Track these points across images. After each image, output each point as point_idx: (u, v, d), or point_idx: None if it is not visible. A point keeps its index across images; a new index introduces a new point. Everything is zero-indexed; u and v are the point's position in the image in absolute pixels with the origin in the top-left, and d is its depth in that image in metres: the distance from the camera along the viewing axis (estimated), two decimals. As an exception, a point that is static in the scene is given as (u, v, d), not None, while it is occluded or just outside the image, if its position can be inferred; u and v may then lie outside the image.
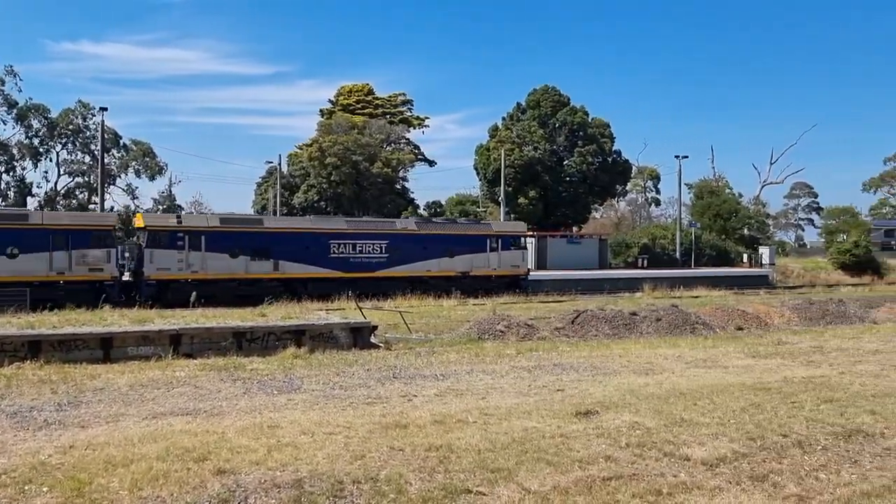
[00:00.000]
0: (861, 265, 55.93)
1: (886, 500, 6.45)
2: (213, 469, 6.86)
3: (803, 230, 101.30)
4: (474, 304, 27.99)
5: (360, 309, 19.90)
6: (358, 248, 32.32)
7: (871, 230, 63.38)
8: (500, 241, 35.91)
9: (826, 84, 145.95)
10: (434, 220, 43.20)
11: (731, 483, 6.86)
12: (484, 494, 6.45)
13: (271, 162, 64.24)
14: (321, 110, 68.83)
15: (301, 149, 61.44)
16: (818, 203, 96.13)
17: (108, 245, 27.73)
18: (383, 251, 32.66)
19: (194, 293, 23.43)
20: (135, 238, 30.74)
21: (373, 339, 16.74)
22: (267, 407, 9.91)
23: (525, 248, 38.14)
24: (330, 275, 31.26)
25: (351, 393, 11.06)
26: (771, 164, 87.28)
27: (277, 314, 19.26)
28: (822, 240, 65.30)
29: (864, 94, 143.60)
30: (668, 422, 9.07)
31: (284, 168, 62.79)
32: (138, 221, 31.09)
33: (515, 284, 35.51)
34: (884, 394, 10.94)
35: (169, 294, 27.17)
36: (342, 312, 21.88)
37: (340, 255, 31.82)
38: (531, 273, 38.10)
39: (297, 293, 28.68)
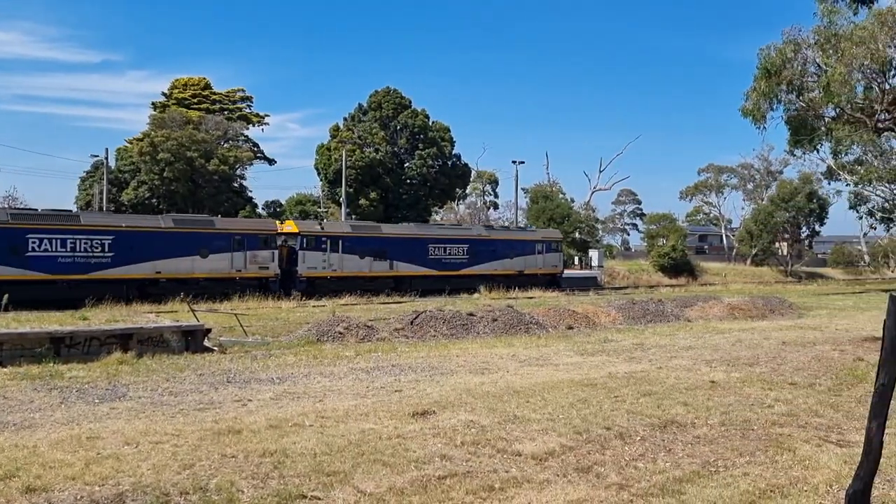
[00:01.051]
0: (678, 267, 60.39)
1: (696, 484, 6.95)
2: (21, 487, 6.31)
3: (629, 234, 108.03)
4: (314, 306, 27.63)
5: (193, 311, 19.07)
6: (448, 251, 38.93)
7: (687, 235, 68.46)
8: (544, 245, 43.03)
9: (649, 98, 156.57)
10: (498, 227, 49.81)
11: (558, 476, 7.15)
12: (319, 499, 6.35)
13: (97, 156, 60.46)
14: (153, 103, 65.38)
15: (131, 143, 58.07)
16: (642, 209, 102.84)
17: (272, 247, 33.20)
18: (465, 253, 39.44)
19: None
20: (281, 241, 34.51)
21: (207, 343, 16.08)
22: (87, 417, 9.26)
23: (561, 251, 45.22)
24: (429, 273, 37.79)
25: (181, 399, 10.57)
26: (600, 171, 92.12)
27: (102, 317, 18.14)
28: (645, 244, 69.80)
29: (683, 109, 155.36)
30: (502, 419, 9.34)
31: (112, 163, 59.21)
32: (292, 227, 35.48)
33: (554, 281, 42.67)
34: (695, 386, 11.81)
35: (315, 288, 33.39)
36: (174, 315, 20.92)
37: (436, 257, 38.31)
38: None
39: (405, 288, 35.00)
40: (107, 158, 56.49)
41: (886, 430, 7.81)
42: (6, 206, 52.82)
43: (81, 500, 6.09)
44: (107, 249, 28.74)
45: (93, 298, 24.07)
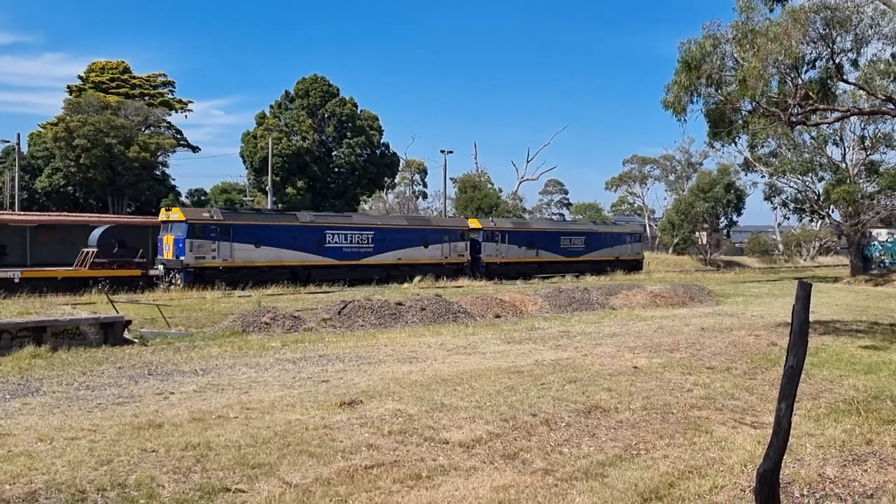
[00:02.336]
0: (604, 256, 61.79)
1: (618, 467, 7.12)
2: (-75, 487, 6.02)
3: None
4: (239, 297, 27.18)
5: (112, 303, 18.49)
6: (573, 241, 49.01)
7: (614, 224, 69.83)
8: (631, 237, 53.69)
9: (575, 90, 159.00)
10: (597, 222, 59.57)
11: (485, 462, 7.22)
12: (243, 492, 6.25)
13: (8, 141, 57.80)
14: (69, 87, 62.85)
15: (45, 128, 55.66)
16: (568, 199, 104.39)
17: (466, 240, 42.70)
18: (583, 243, 49.15)
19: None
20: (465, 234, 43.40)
21: (127, 335, 15.60)
22: (-3, 413, 8.88)
23: (642, 241, 55.51)
24: (561, 259, 47.61)
25: (99, 393, 10.23)
26: (528, 161, 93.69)
27: (13, 310, 17.41)
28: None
29: (609, 102, 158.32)
30: (430, 407, 9.36)
31: (25, 149, 56.78)
32: (476, 224, 44.60)
33: (639, 265, 52.66)
34: (618, 372, 12.09)
35: (491, 271, 42.44)
36: (92, 307, 20.25)
37: (565, 246, 48.24)
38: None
39: (546, 271, 44.80)
40: (18, 144, 54.14)
41: (797, 412, 8.18)
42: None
43: (-9, 500, 5.84)
44: (370, 242, 38.34)
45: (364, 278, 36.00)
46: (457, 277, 39.16)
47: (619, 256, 51.40)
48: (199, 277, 31.71)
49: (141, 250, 31.67)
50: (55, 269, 30.09)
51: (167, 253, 32.72)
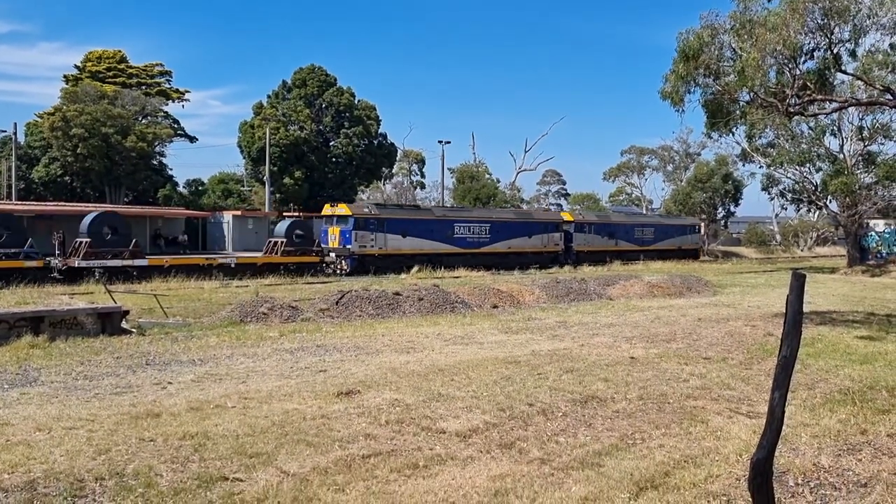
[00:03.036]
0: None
1: (614, 456, 7.16)
2: (-76, 476, 6.04)
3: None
4: (237, 287, 27.21)
5: (110, 292, 18.50)
6: (644, 232, 54.73)
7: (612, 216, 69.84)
8: (690, 228, 60.03)
9: (574, 80, 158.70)
10: (663, 216, 66.65)
11: (482, 452, 7.25)
12: (241, 481, 6.28)
13: (5, 131, 57.62)
14: (66, 76, 62.46)
15: (42, 118, 55.43)
16: (566, 189, 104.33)
17: (560, 231, 48.11)
18: (652, 234, 55.26)
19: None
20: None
21: (125, 325, 15.62)
22: (-5, 403, 8.90)
23: (700, 231, 61.57)
24: (634, 248, 52.82)
25: (97, 383, 10.26)
26: (525, 152, 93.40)
27: (11, 300, 17.42)
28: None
29: (607, 92, 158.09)
30: (427, 397, 9.40)
31: (22, 138, 56.61)
32: (568, 217, 50.75)
33: (696, 253, 58.62)
34: (615, 362, 12.14)
35: (580, 259, 47.17)
36: (90, 297, 20.27)
37: (638, 237, 54.05)
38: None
39: (623, 258, 49.42)
40: (15, 133, 53.96)
41: (793, 402, 8.23)
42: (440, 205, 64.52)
43: (-11, 489, 5.87)
44: (487, 233, 43.60)
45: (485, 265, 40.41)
46: (552, 265, 44.45)
47: (681, 246, 57.41)
48: (361, 263, 37.43)
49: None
50: (255, 255, 35.90)
51: (333, 242, 38.17)
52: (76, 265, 28.57)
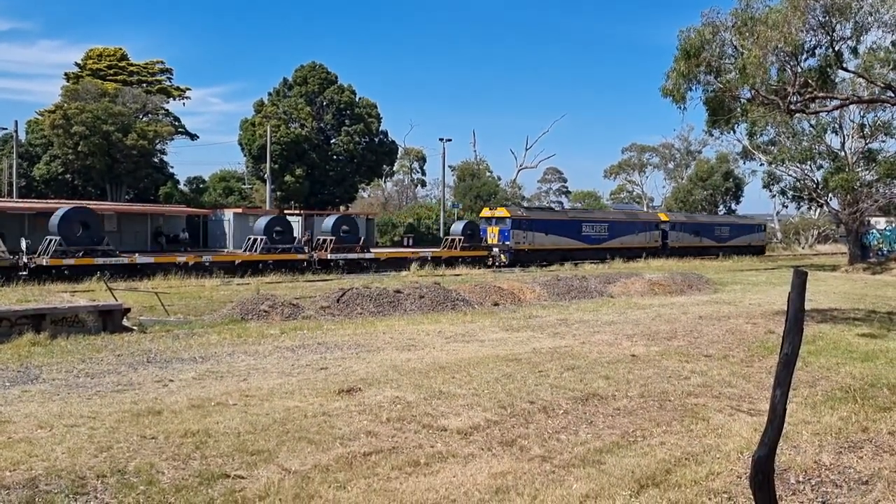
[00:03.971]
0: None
1: (615, 454, 7.17)
2: (-74, 474, 6.04)
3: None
4: (238, 284, 27.21)
5: (111, 290, 18.50)
6: (722, 230, 61.29)
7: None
8: (758, 227, 66.65)
9: (574, 78, 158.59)
10: (739, 216, 72.77)
11: (483, 449, 7.25)
12: (242, 478, 6.28)
13: (6, 129, 57.55)
14: (66, 74, 62.44)
15: (43, 115, 55.42)
16: (567, 187, 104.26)
17: (658, 229, 55.52)
18: (728, 232, 61.58)
19: None
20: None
21: (126, 323, 15.62)
22: (-4, 400, 8.91)
23: (765, 230, 68.83)
24: (715, 244, 59.35)
25: (98, 381, 10.27)
26: (526, 149, 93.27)
27: (12, 297, 17.44)
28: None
29: (607, 89, 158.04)
30: (428, 395, 9.40)
31: (23, 136, 56.60)
32: (664, 217, 57.71)
33: (762, 251, 64.83)
34: (616, 360, 12.13)
35: (674, 252, 53.79)
36: (91, 294, 20.28)
37: (717, 234, 60.63)
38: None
39: (705, 253, 56.14)
40: (16, 131, 53.94)
41: (794, 400, 8.22)
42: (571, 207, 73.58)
43: (-9, 486, 5.87)
44: (606, 231, 50.92)
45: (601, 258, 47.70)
46: (652, 257, 51.11)
47: (750, 243, 63.81)
48: (517, 256, 44.39)
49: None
50: (401, 250, 41.77)
51: (492, 239, 45.29)
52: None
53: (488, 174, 79.08)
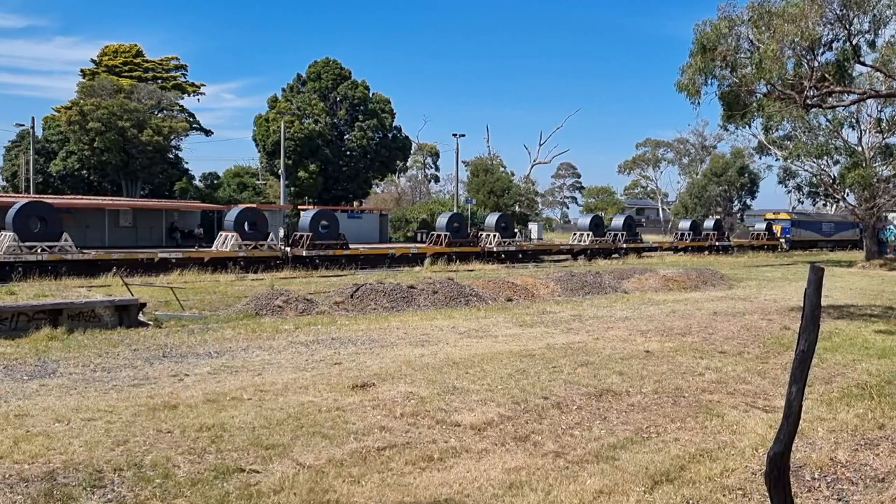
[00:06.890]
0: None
1: (629, 450, 7.15)
2: (-54, 466, 6.12)
3: (568, 207, 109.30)
4: (252, 280, 27.31)
5: (127, 285, 18.63)
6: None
7: (625, 208, 69.73)
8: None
9: (588, 72, 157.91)
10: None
11: (496, 445, 7.26)
12: (257, 472, 6.32)
13: (23, 125, 58.02)
14: (82, 71, 62.92)
15: (59, 112, 55.84)
16: (581, 182, 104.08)
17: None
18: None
19: None
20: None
21: (141, 318, 15.75)
22: (14, 394, 9.00)
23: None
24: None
25: (115, 375, 10.35)
26: (540, 144, 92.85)
27: (30, 292, 17.60)
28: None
29: (622, 84, 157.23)
30: (442, 390, 9.42)
31: (39, 132, 57.04)
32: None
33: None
34: (630, 356, 12.10)
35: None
36: (107, 290, 20.42)
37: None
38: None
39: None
40: (33, 128, 54.34)
41: (810, 396, 8.17)
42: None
43: (9, 479, 5.94)
44: (833, 228, 66.69)
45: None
46: (853, 249, 60.44)
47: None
48: (793, 245, 60.27)
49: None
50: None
51: (777, 232, 60.99)
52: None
53: (502, 169, 78.79)
